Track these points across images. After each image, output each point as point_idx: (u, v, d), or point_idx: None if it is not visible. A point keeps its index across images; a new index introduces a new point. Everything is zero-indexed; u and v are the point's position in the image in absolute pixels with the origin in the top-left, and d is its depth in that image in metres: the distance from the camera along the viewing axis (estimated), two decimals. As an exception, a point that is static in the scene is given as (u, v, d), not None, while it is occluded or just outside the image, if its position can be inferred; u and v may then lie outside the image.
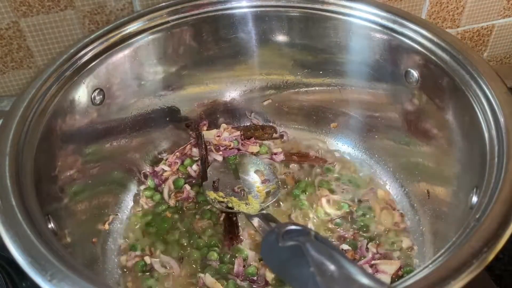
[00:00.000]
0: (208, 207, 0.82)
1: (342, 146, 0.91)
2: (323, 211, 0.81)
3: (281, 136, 0.94)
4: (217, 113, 0.93)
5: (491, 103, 0.60)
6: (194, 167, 0.87)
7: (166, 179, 0.86)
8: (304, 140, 0.93)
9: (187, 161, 0.88)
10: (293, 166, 0.88)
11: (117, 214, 0.81)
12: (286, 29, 0.83)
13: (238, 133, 0.91)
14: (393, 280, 0.71)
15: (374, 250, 0.74)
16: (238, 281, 0.72)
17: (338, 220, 0.80)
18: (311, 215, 0.81)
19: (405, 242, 0.76)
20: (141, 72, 0.81)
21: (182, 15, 0.79)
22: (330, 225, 0.79)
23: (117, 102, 0.79)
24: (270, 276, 0.72)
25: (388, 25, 0.75)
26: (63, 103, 0.68)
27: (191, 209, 0.82)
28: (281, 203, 0.83)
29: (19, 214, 0.52)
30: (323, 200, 0.82)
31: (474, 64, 0.65)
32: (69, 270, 0.47)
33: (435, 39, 0.70)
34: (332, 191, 0.84)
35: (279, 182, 0.84)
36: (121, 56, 0.76)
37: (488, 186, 0.53)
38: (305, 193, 0.83)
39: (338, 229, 0.78)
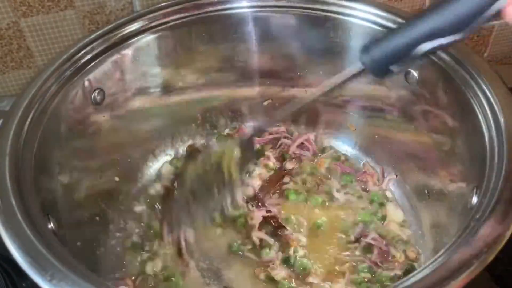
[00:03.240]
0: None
1: (342, 145, 0.91)
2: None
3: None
4: (218, 112, 0.93)
5: (491, 103, 0.60)
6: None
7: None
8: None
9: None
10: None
11: (118, 214, 0.81)
12: (286, 29, 0.83)
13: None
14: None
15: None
16: None
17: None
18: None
19: (405, 242, 0.77)
20: (141, 72, 0.81)
21: (182, 15, 0.79)
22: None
23: (117, 102, 0.78)
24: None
25: (388, 25, 0.74)
26: (63, 103, 0.68)
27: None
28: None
29: (19, 214, 0.52)
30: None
31: (474, 64, 0.65)
32: (69, 270, 0.47)
33: (435, 39, 0.70)
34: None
35: None
36: (121, 56, 0.76)
37: (488, 186, 0.53)
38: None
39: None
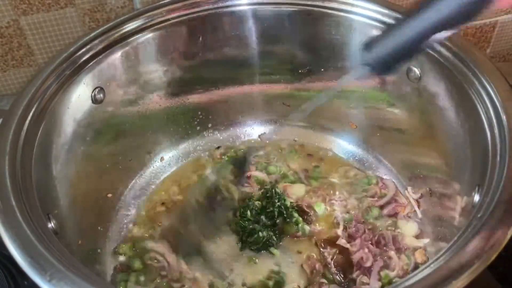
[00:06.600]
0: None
1: (343, 143, 0.91)
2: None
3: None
4: (218, 110, 0.92)
5: (493, 100, 0.60)
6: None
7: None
8: (308, 139, 0.93)
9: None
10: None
11: (118, 214, 0.81)
12: (286, 26, 0.82)
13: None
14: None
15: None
16: None
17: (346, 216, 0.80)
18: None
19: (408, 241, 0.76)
20: (142, 70, 0.80)
21: (183, 12, 0.79)
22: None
23: (117, 100, 0.78)
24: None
25: (390, 21, 0.74)
26: (63, 102, 0.68)
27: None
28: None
29: (18, 214, 0.52)
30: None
31: (476, 61, 0.65)
32: (68, 270, 0.47)
33: (437, 36, 0.69)
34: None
35: None
36: (121, 54, 0.76)
37: (490, 185, 0.53)
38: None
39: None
